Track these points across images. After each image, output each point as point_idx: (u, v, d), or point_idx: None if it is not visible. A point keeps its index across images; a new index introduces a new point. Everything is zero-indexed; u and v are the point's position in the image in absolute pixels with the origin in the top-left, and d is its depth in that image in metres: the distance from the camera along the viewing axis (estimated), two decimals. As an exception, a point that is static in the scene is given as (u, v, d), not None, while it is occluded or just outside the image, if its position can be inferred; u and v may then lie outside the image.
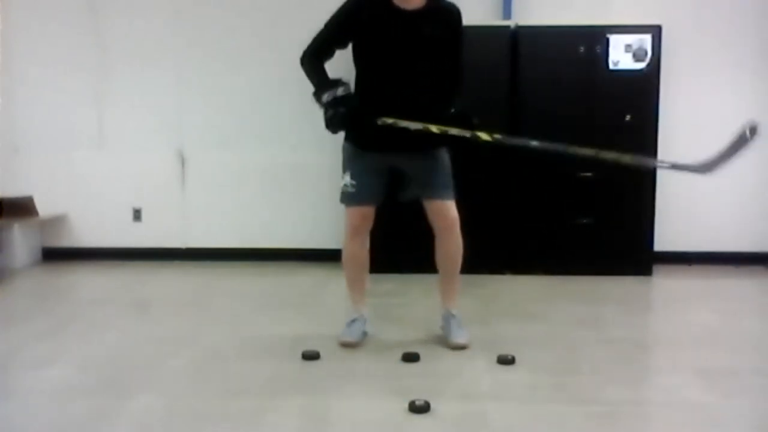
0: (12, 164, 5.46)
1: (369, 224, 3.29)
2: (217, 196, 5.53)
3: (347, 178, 3.20)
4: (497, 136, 2.93)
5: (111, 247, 5.50)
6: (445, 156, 3.23)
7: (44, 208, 5.40)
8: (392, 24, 3.03)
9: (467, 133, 2.94)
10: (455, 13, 3.10)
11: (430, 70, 3.08)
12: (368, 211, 3.25)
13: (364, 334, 3.38)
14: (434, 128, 2.93)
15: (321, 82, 3.03)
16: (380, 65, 3.09)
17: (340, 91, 2.95)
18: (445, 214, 3.22)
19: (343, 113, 2.95)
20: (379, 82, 3.10)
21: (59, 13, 5.43)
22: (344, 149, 3.24)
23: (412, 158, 3.17)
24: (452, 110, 3.04)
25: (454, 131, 2.93)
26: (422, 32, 3.02)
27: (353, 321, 3.37)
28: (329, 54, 3.14)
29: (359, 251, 3.33)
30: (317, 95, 3.00)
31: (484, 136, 2.93)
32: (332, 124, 2.98)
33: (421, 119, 2.95)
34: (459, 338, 3.28)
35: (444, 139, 3.03)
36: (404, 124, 2.95)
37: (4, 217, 5.20)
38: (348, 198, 3.22)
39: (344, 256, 3.37)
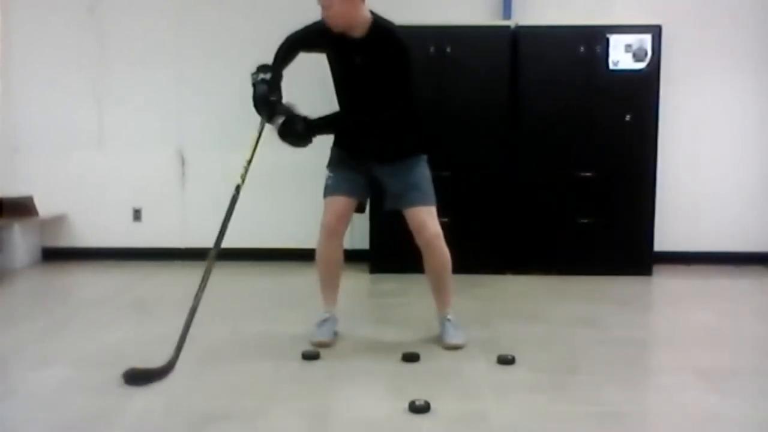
0: (12, 164, 5.45)
1: (344, 225, 3.33)
2: (217, 196, 5.48)
3: (327, 173, 3.35)
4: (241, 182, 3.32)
5: (111, 247, 5.50)
6: (419, 167, 3.26)
7: (44, 208, 5.40)
8: (337, 51, 3.19)
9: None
10: (391, 41, 3.08)
11: (368, 95, 3.12)
12: (342, 207, 3.29)
13: (335, 333, 3.39)
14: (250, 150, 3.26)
15: (270, 65, 3.20)
16: (335, 87, 3.28)
17: (268, 76, 3.17)
18: (423, 225, 3.20)
19: (258, 92, 3.19)
20: (339, 101, 3.29)
21: (59, 13, 5.42)
22: (331, 151, 3.37)
23: (381, 166, 3.25)
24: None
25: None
26: (354, 61, 3.12)
27: (324, 321, 3.38)
28: (303, 47, 3.29)
29: (334, 253, 3.37)
30: (254, 72, 3.20)
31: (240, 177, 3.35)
32: (254, 98, 3.22)
33: (368, 140, 3.19)
34: (453, 339, 3.28)
35: (408, 149, 3.21)
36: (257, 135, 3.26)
37: (4, 217, 5.19)
38: (326, 190, 3.33)
39: (318, 257, 3.39)
